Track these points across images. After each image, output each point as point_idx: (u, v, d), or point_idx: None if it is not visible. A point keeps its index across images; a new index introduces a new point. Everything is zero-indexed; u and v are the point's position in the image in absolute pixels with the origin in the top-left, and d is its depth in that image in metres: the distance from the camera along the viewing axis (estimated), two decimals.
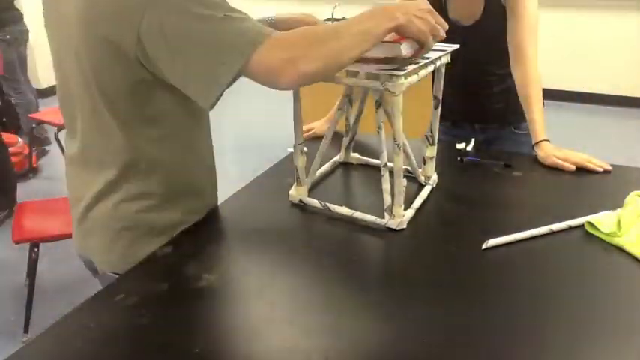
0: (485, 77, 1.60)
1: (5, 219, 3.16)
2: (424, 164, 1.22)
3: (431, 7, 0.96)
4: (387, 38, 0.93)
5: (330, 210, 1.12)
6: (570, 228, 1.05)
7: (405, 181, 1.03)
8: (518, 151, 1.50)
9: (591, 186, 1.22)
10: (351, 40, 0.90)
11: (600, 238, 1.01)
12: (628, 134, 4.22)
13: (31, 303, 2.26)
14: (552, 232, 1.03)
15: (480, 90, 1.63)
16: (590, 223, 1.02)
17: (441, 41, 0.99)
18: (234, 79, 0.89)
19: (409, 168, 1.25)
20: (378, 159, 1.31)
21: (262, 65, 0.88)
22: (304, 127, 1.50)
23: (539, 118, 1.37)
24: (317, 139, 1.41)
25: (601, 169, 1.27)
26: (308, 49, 0.89)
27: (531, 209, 1.12)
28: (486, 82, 1.61)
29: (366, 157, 1.35)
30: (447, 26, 0.96)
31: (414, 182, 1.22)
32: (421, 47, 0.96)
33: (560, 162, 1.29)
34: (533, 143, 1.36)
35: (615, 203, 1.10)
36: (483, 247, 0.99)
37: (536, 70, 1.42)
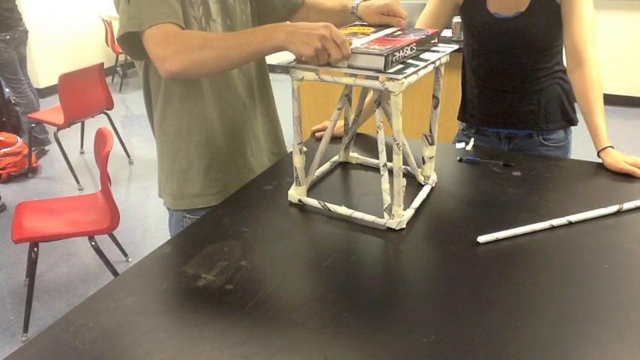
0: (521, 75, 1.53)
1: None
2: (423, 164, 1.22)
3: (329, 25, 0.95)
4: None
5: (329, 210, 1.12)
6: (570, 223, 1.06)
7: (404, 181, 1.03)
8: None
9: (593, 185, 1.22)
10: (220, 53, 1.03)
11: (600, 235, 1.01)
12: (633, 134, 4.23)
13: (31, 302, 2.27)
14: (552, 228, 1.04)
15: (514, 89, 1.55)
16: None
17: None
18: (126, 34, 1.07)
19: (409, 168, 1.25)
20: (377, 158, 1.31)
21: (147, 48, 1.06)
22: (320, 126, 1.50)
23: (603, 123, 1.30)
24: (334, 138, 1.40)
25: None
26: (176, 52, 1.03)
27: (531, 209, 1.12)
28: (522, 80, 1.54)
29: (366, 156, 1.35)
30: (347, 43, 0.95)
31: (414, 182, 1.22)
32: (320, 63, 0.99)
33: (631, 168, 1.24)
34: (598, 150, 1.30)
35: (617, 201, 1.10)
36: (480, 240, 1.00)
37: (597, 73, 1.36)
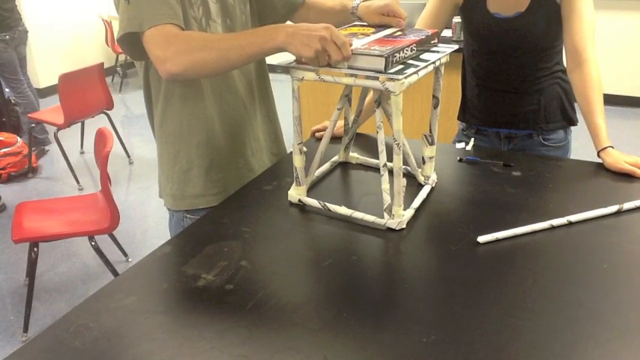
0: (521, 75, 1.53)
1: None
2: (423, 164, 1.22)
3: (329, 26, 0.95)
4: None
5: (329, 210, 1.12)
6: (570, 223, 1.06)
7: (404, 181, 1.03)
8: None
9: (593, 185, 1.22)
10: (220, 54, 1.03)
11: (600, 235, 1.01)
12: (633, 134, 4.23)
13: (31, 302, 2.27)
14: (552, 228, 1.04)
15: (514, 89, 1.55)
16: None
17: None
18: (126, 34, 1.07)
19: (409, 168, 1.25)
20: (377, 158, 1.31)
21: (147, 49, 1.06)
22: (320, 126, 1.50)
23: (603, 123, 1.30)
24: (334, 138, 1.40)
25: None
26: (176, 53, 1.03)
27: (530, 209, 1.12)
28: (522, 80, 1.54)
29: (366, 156, 1.35)
30: (347, 45, 0.95)
31: (414, 182, 1.22)
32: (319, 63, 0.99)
33: (631, 168, 1.24)
34: (598, 150, 1.30)
35: (617, 201, 1.10)
36: (480, 240, 1.00)
37: (597, 73, 1.35)
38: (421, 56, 1.05)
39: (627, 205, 1.10)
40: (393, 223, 1.05)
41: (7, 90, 4.19)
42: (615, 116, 4.56)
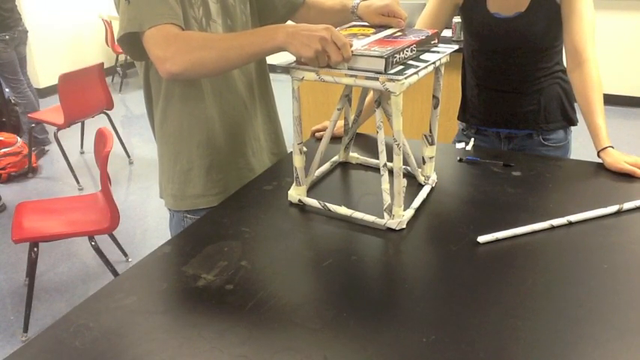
0: (521, 75, 1.53)
1: None
2: (423, 164, 1.22)
3: (329, 27, 0.95)
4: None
5: (329, 210, 1.12)
6: (570, 223, 1.06)
7: (404, 181, 1.03)
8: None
9: (593, 185, 1.22)
10: (220, 53, 1.03)
11: (600, 235, 1.01)
12: (633, 134, 4.23)
13: (31, 302, 2.27)
14: (552, 228, 1.04)
15: (514, 89, 1.55)
16: None
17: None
18: (126, 35, 1.07)
19: (409, 168, 1.25)
20: (377, 159, 1.31)
21: (147, 49, 1.06)
22: (320, 126, 1.50)
23: (603, 123, 1.30)
24: (334, 138, 1.40)
25: None
26: (176, 53, 1.03)
27: (531, 209, 1.12)
28: (521, 80, 1.54)
29: (366, 156, 1.35)
30: (348, 46, 0.95)
31: (414, 182, 1.23)
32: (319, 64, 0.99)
33: (631, 168, 1.24)
34: (598, 150, 1.30)
35: (617, 201, 1.10)
36: (480, 240, 1.00)
37: (597, 73, 1.35)
38: (421, 56, 1.05)
39: (627, 205, 1.10)
40: (393, 223, 1.05)
41: (7, 90, 4.19)
42: (615, 116, 4.55)
